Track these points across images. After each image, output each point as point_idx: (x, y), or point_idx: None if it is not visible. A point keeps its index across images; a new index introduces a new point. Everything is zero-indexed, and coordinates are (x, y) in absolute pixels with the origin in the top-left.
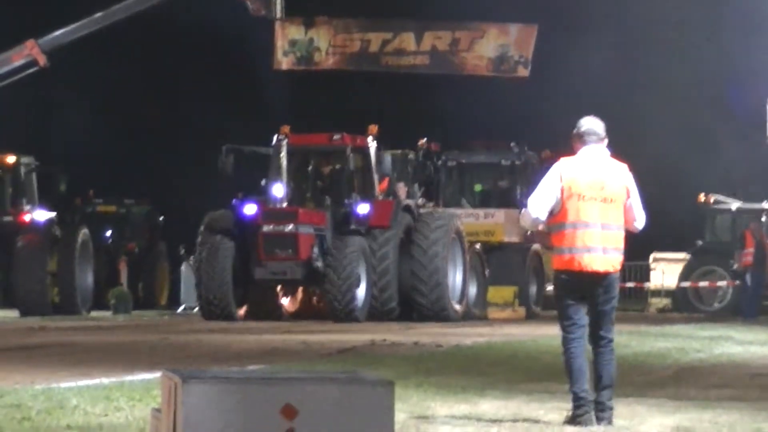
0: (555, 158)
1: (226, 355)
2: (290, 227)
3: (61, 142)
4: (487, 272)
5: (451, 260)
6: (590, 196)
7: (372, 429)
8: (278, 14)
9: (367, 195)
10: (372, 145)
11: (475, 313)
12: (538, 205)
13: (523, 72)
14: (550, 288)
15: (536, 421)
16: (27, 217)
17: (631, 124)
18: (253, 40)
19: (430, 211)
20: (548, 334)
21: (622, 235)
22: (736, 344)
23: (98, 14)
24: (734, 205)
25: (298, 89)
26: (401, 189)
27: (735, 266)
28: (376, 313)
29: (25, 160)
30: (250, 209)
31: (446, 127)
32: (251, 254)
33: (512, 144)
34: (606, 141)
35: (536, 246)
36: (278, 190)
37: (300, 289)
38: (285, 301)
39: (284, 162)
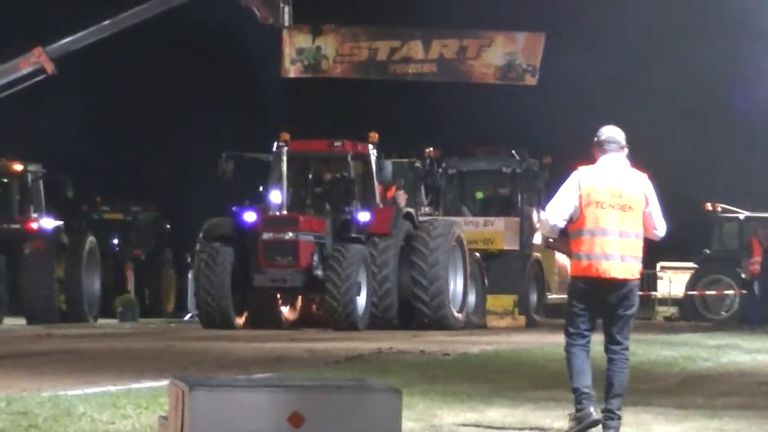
0: (561, 165)
1: (233, 362)
2: (290, 234)
3: (68, 150)
4: (486, 280)
5: (451, 268)
6: (608, 203)
7: None
8: (286, 22)
9: (367, 202)
10: (372, 152)
11: (474, 321)
12: (557, 212)
13: (531, 80)
14: (551, 296)
15: (543, 429)
16: (34, 225)
17: (637, 132)
18: (259, 47)
19: (430, 219)
20: (555, 342)
21: (640, 243)
22: (744, 353)
23: (106, 22)
24: (741, 213)
25: (300, 96)
26: (401, 196)
27: (743, 275)
28: (377, 320)
29: (32, 167)
30: (249, 216)
31: (447, 134)
32: (251, 261)
33: (513, 151)
34: (626, 150)
35: (537, 254)
36: (276, 196)
37: (299, 297)
38: (285, 310)
39: (284, 169)
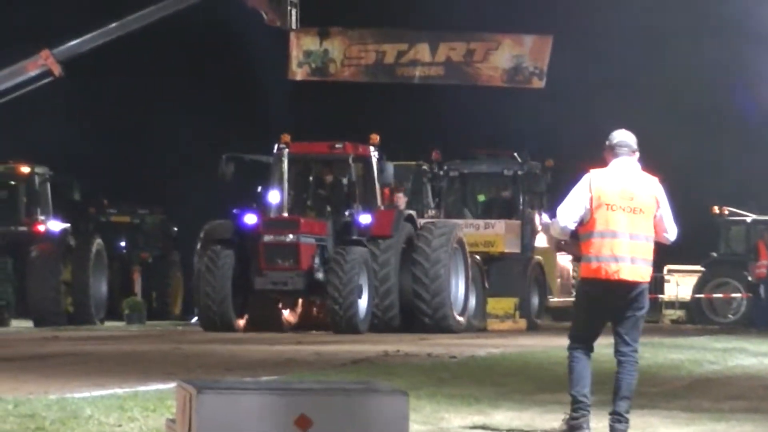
0: (567, 168)
1: (240, 365)
2: (291, 237)
3: (75, 152)
4: (486, 283)
5: (453, 271)
6: (619, 206)
7: None
8: (293, 25)
9: (368, 204)
10: (374, 154)
11: (474, 325)
12: (567, 214)
13: (538, 83)
14: (553, 299)
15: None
16: (41, 227)
17: (644, 135)
18: (262, 48)
19: (432, 221)
20: (561, 345)
21: (651, 246)
22: (750, 356)
23: (113, 24)
24: (748, 216)
25: (303, 98)
26: (400, 199)
27: (749, 278)
28: (377, 322)
29: (39, 170)
30: (250, 218)
31: (452, 137)
32: (252, 264)
33: (515, 153)
34: (637, 154)
35: (538, 257)
36: (274, 197)
37: (300, 300)
38: (285, 313)
39: (285, 171)
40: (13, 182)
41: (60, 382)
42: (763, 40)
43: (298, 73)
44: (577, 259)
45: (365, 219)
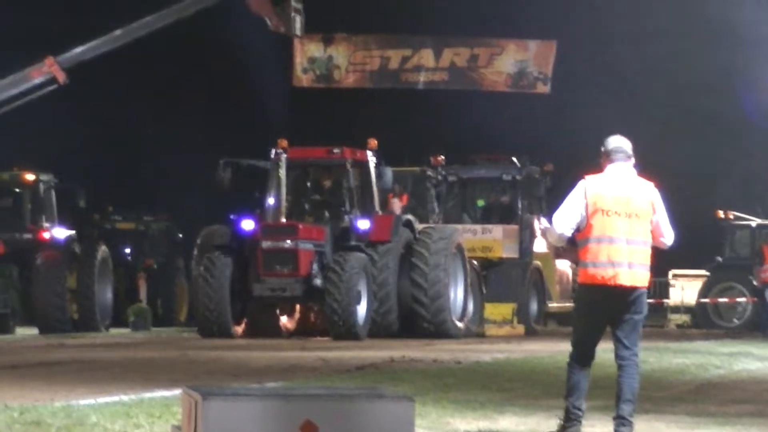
0: (569, 173)
1: (246, 371)
2: (290, 243)
3: (80, 159)
4: (484, 288)
5: (452, 276)
6: (615, 211)
7: None
8: (298, 31)
9: (366, 209)
10: (371, 158)
11: (472, 330)
12: (563, 220)
13: (543, 88)
14: (552, 304)
15: None
16: (46, 234)
17: (648, 139)
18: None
19: (431, 226)
20: (567, 350)
21: (648, 251)
22: (756, 360)
23: (117, 31)
24: (753, 220)
25: (303, 103)
26: (395, 204)
27: (754, 282)
28: (376, 326)
29: (44, 177)
30: (247, 224)
31: (454, 142)
32: (250, 270)
33: (514, 158)
34: (633, 159)
35: (537, 262)
36: (274, 204)
37: (298, 306)
38: (283, 319)
39: (283, 176)
40: (18, 189)
41: (65, 389)
42: (767, 43)
43: (303, 79)
44: (577, 264)
45: (363, 224)
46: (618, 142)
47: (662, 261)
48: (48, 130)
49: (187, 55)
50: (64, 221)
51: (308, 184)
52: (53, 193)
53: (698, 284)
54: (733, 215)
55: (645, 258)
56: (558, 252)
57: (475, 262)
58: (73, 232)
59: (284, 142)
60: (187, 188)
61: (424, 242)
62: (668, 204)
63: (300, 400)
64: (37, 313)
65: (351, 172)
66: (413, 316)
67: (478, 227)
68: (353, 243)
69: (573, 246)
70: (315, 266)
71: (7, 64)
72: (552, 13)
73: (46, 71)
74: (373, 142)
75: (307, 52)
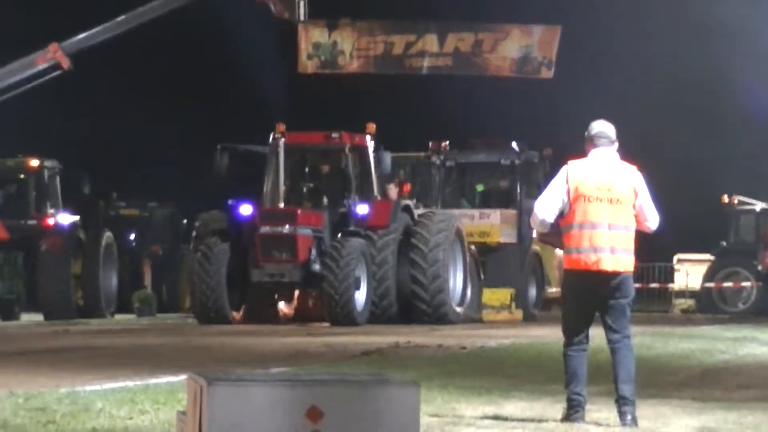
0: (567, 158)
1: (251, 357)
2: (288, 228)
3: (84, 146)
4: (481, 274)
5: (451, 261)
6: (596, 197)
7: (397, 431)
8: (302, 17)
9: (365, 195)
10: (370, 143)
11: (470, 316)
12: (545, 207)
13: (547, 73)
14: (550, 290)
15: (561, 423)
16: (51, 221)
17: (653, 125)
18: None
19: (431, 211)
20: None
21: (631, 236)
22: (761, 345)
23: (121, 17)
24: (758, 205)
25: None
26: (392, 190)
27: (759, 267)
28: (375, 311)
29: (48, 163)
30: (245, 210)
31: (455, 127)
32: (248, 256)
33: (513, 143)
34: (617, 144)
35: (536, 247)
36: (272, 189)
37: (296, 292)
38: (282, 305)
39: (281, 161)
40: (22, 176)
41: (71, 376)
42: None
43: (308, 65)
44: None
45: (362, 209)
46: (601, 126)
47: (667, 246)
48: (52, 117)
49: (189, 42)
50: (69, 208)
51: (306, 169)
52: (58, 179)
53: (703, 269)
54: (738, 200)
55: (628, 243)
56: (541, 237)
57: (473, 248)
58: (77, 218)
59: (282, 127)
60: (193, 174)
61: (424, 224)
62: (673, 190)
63: (306, 386)
64: (42, 299)
65: (349, 157)
66: (412, 300)
67: (476, 212)
68: (352, 228)
69: (558, 232)
70: (313, 252)
71: (12, 56)
72: None
73: (50, 57)
74: (372, 127)
75: (311, 38)
